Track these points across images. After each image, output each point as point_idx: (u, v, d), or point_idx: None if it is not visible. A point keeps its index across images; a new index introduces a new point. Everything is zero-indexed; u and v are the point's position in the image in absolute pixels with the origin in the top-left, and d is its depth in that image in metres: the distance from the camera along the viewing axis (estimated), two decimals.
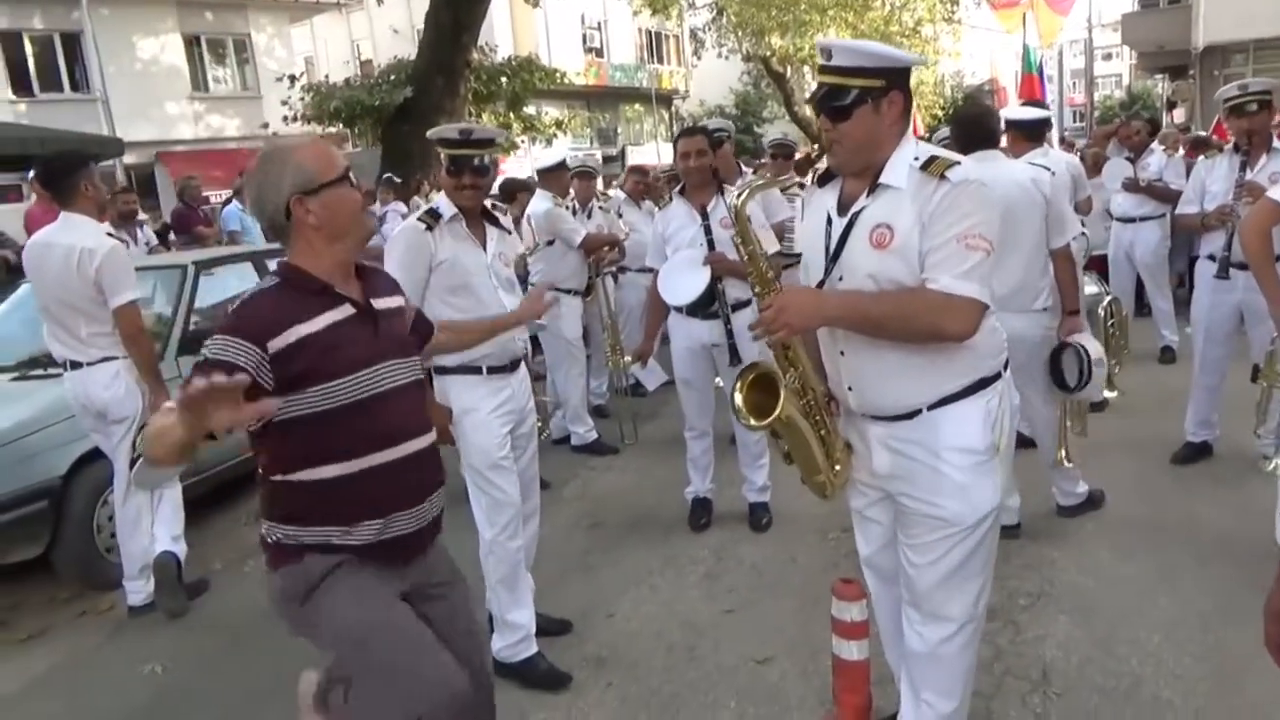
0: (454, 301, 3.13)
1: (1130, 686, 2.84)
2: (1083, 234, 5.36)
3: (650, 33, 33.60)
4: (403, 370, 2.01)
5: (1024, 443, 4.22)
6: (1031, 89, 14.38)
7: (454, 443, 3.20)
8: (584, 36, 30.45)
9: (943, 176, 2.06)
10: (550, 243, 5.72)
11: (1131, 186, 6.76)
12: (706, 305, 4.16)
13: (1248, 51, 19.88)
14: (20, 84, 20.19)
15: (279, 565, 1.95)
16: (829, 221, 2.26)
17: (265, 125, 20.02)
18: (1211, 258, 4.55)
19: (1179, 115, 17.12)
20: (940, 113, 25.12)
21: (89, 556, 4.13)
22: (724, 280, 4.12)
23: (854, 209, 2.19)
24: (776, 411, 2.18)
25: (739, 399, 2.30)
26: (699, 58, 28.54)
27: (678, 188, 4.40)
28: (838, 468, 2.37)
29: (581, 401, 5.84)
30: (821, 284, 2.26)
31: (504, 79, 15.49)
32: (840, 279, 2.21)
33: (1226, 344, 4.58)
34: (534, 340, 5.71)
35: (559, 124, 17.02)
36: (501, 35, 23.96)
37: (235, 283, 5.24)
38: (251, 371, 1.74)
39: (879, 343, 2.17)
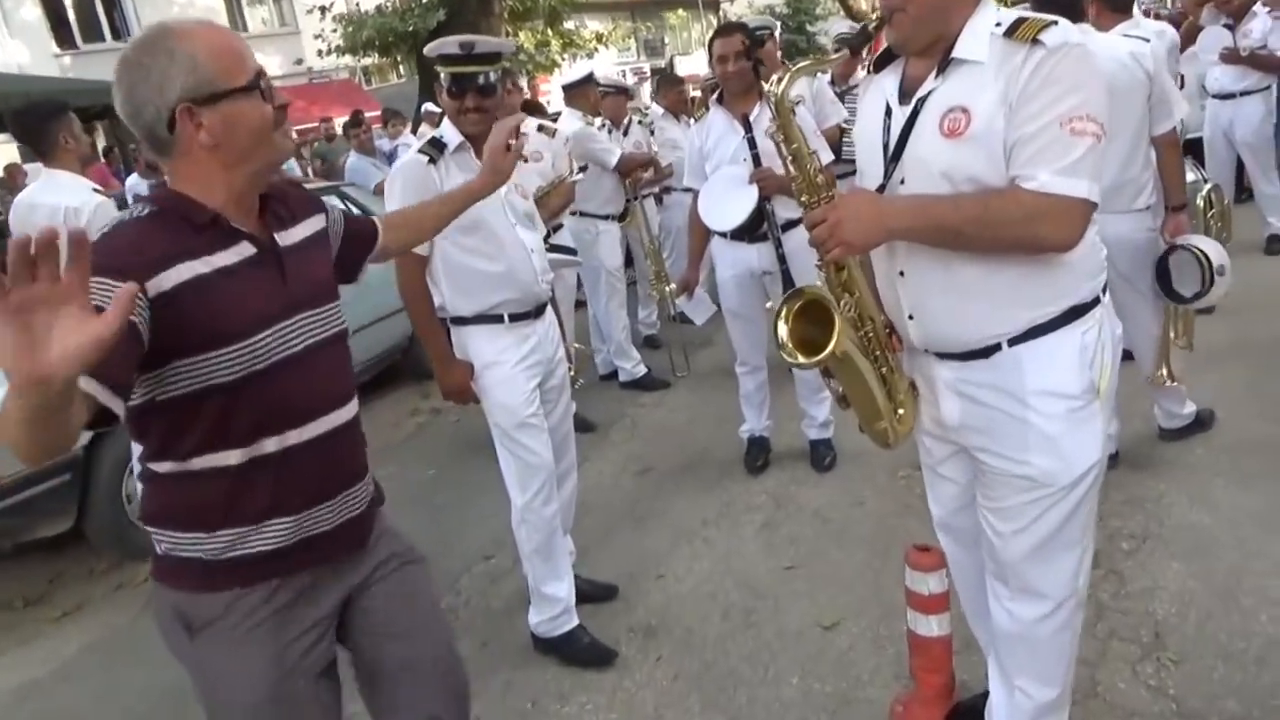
0: (466, 242, 2.77)
1: (1262, 649, 2.43)
2: None
3: None
4: (319, 323, 1.58)
5: (1122, 356, 3.75)
6: None
7: (477, 401, 2.90)
8: None
9: (1035, 40, 1.61)
10: (583, 169, 5.30)
11: (1231, 58, 6.00)
12: (754, 228, 3.74)
13: None
14: (63, 37, 20.19)
15: (168, 582, 1.55)
16: (888, 113, 1.84)
17: (299, 61, 19.68)
18: None
19: None
20: None
21: (120, 527, 3.98)
22: (773, 199, 3.69)
23: (919, 94, 1.76)
24: (830, 346, 1.77)
25: (784, 331, 1.91)
26: None
27: (715, 95, 3.94)
28: (901, 411, 1.99)
29: (626, 335, 5.49)
30: (881, 189, 1.84)
31: None
32: (902, 182, 1.79)
33: None
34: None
35: (600, 38, 16.30)
36: None
37: None
38: (134, 317, 1.29)
39: (948, 260, 1.75)
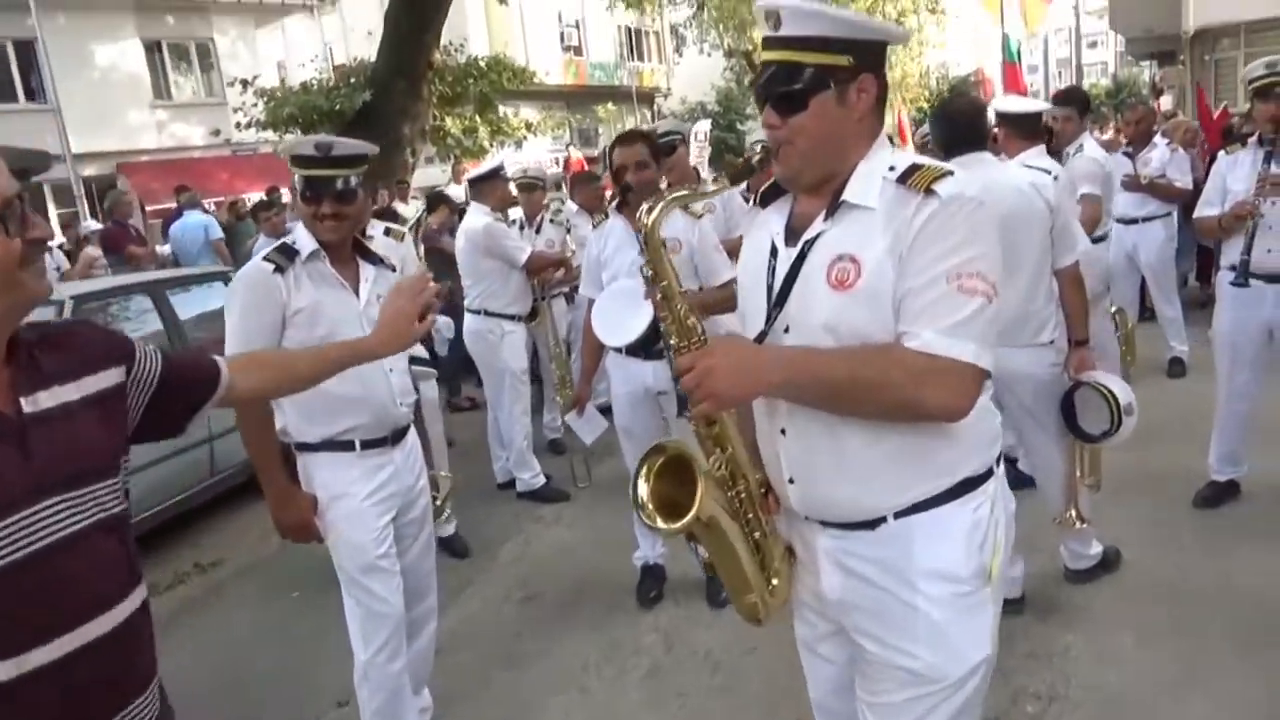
0: None
1: None
2: None
3: (630, 29, 32.84)
4: (76, 509, 1.27)
5: (1025, 482, 3.61)
6: (1015, 80, 13.76)
7: (321, 539, 2.58)
8: (561, 34, 29.66)
9: (929, 190, 1.47)
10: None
11: (1133, 185, 6.16)
12: (649, 344, 3.53)
13: (1239, 35, 19.25)
14: None
15: None
16: (773, 253, 1.67)
17: (217, 132, 19.36)
18: (1233, 268, 3.93)
19: (1166, 102, 16.55)
20: (926, 105, 24.59)
21: None
22: None
23: (807, 236, 1.60)
24: (693, 510, 1.54)
25: (644, 491, 1.66)
26: (680, 54, 27.98)
27: (615, 203, 3.78)
28: (775, 582, 1.77)
29: (528, 443, 5.19)
30: (763, 336, 1.65)
31: (471, 80, 14.80)
32: (786, 330, 1.61)
33: (1255, 366, 3.95)
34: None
35: (529, 126, 16.32)
36: (476, 32, 23.12)
37: (130, 320, 4.62)
38: None
39: (834, 421, 1.57)
